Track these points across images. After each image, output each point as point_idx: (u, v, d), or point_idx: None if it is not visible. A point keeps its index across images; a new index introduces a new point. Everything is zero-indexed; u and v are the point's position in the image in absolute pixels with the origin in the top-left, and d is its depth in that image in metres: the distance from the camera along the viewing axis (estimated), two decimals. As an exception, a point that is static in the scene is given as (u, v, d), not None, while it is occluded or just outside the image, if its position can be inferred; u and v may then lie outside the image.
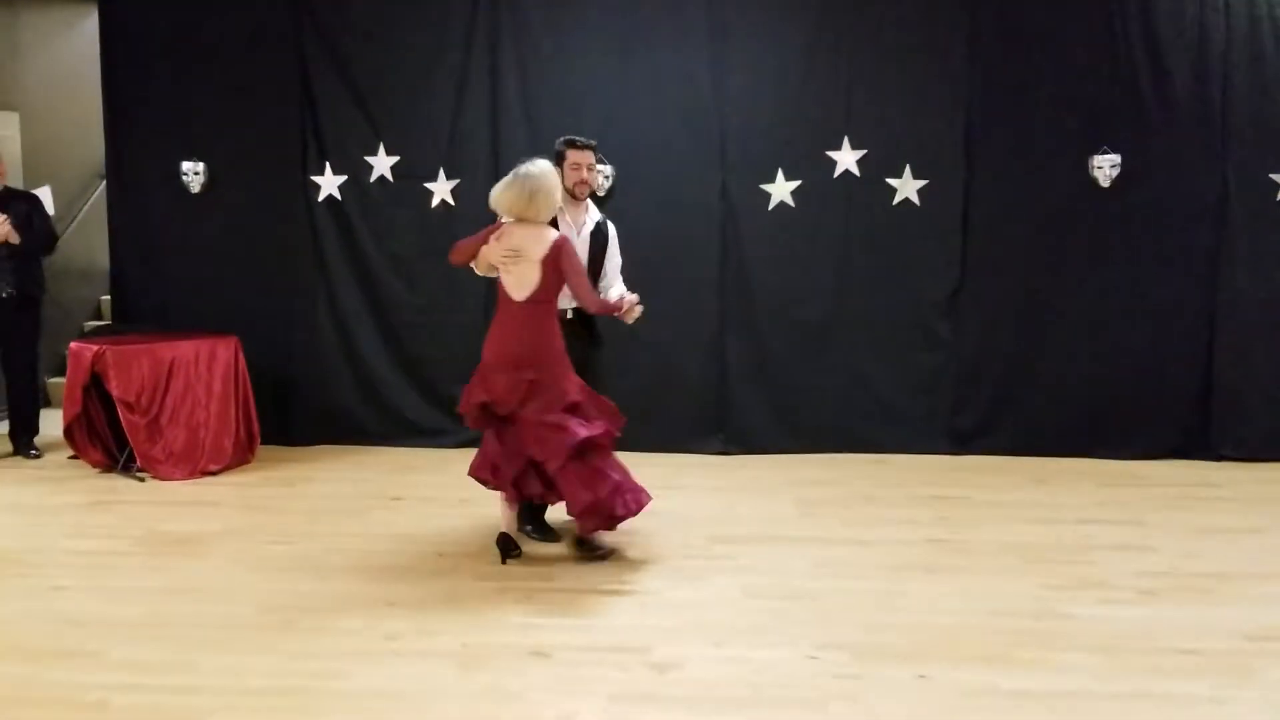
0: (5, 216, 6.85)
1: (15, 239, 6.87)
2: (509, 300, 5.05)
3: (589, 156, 5.36)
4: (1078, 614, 4.53)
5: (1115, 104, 7.16)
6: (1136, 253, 7.23)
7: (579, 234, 5.36)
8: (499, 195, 5.06)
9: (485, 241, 5.10)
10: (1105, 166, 7.13)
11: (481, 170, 7.41)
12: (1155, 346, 7.27)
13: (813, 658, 4.08)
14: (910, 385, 7.41)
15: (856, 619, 4.47)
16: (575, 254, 5.06)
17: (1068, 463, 7.18)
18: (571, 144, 5.37)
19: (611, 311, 5.16)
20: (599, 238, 5.42)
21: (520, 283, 5.00)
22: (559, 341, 5.06)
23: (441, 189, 7.45)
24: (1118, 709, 3.68)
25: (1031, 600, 4.69)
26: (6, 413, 7.32)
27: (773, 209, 7.29)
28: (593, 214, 5.47)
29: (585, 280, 5.07)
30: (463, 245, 5.19)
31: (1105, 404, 7.31)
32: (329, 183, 7.50)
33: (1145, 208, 7.19)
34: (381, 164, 7.46)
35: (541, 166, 5.02)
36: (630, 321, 5.23)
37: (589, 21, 7.35)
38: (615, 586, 4.84)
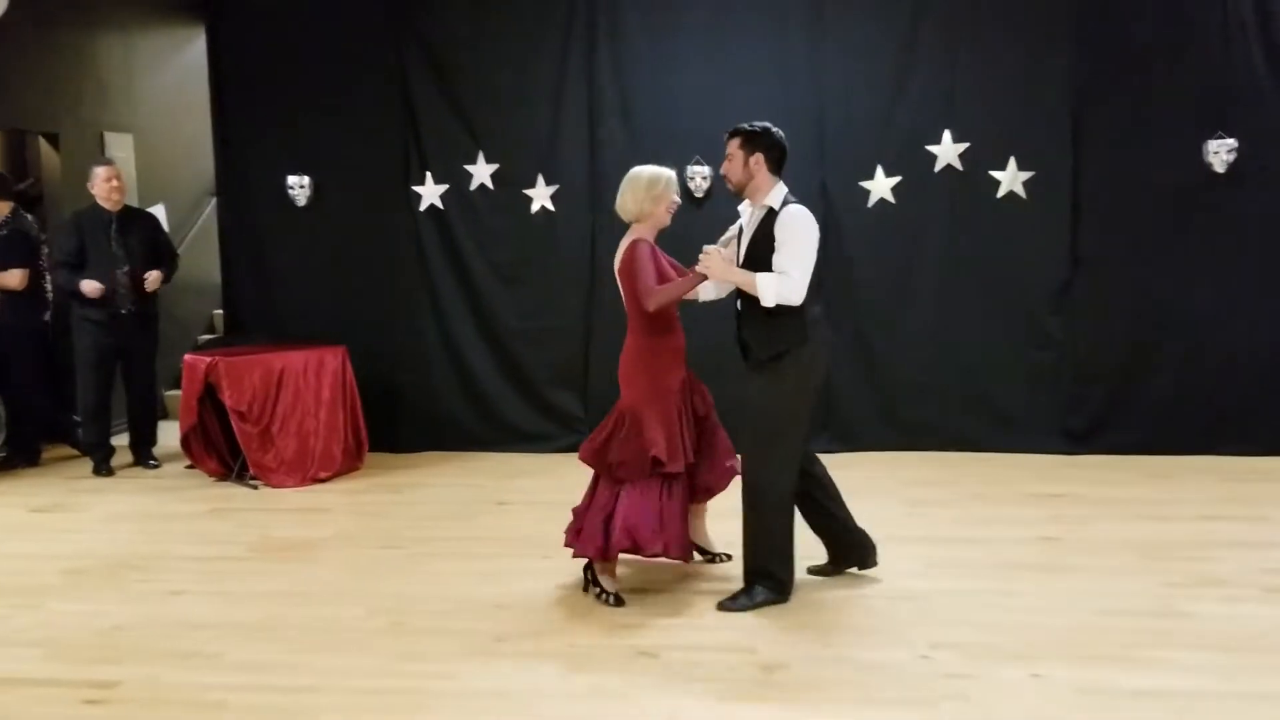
0: (159, 274, 7.15)
1: (156, 284, 7.19)
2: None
3: (729, 146, 4.66)
4: (1198, 612, 4.39)
5: (1229, 86, 6.92)
6: (1255, 241, 7.00)
7: (742, 226, 4.78)
8: (630, 196, 4.89)
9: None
10: (1221, 152, 6.90)
11: (580, 175, 7.46)
12: (1275, 339, 7.01)
13: (924, 657, 4.01)
14: (1021, 383, 7.25)
15: (967, 618, 4.38)
16: (639, 259, 4.69)
17: (1188, 460, 6.97)
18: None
19: (685, 291, 4.67)
20: (765, 226, 4.57)
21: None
22: (642, 373, 4.76)
23: (541, 195, 7.50)
24: (1241, 710, 3.56)
25: (1150, 598, 4.56)
26: (127, 425, 7.53)
27: (872, 205, 7.21)
28: (766, 201, 4.59)
29: (642, 286, 4.64)
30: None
31: (1226, 399, 7.07)
32: (430, 192, 7.60)
33: (1263, 194, 6.95)
34: (481, 172, 7.53)
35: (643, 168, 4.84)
36: (705, 271, 4.55)
37: (685, 22, 7.34)
38: (723, 587, 4.80)
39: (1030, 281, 7.19)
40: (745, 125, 4.62)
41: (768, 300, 4.41)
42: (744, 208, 4.77)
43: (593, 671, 3.96)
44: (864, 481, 6.42)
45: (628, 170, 7.27)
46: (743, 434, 4.63)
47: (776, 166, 4.61)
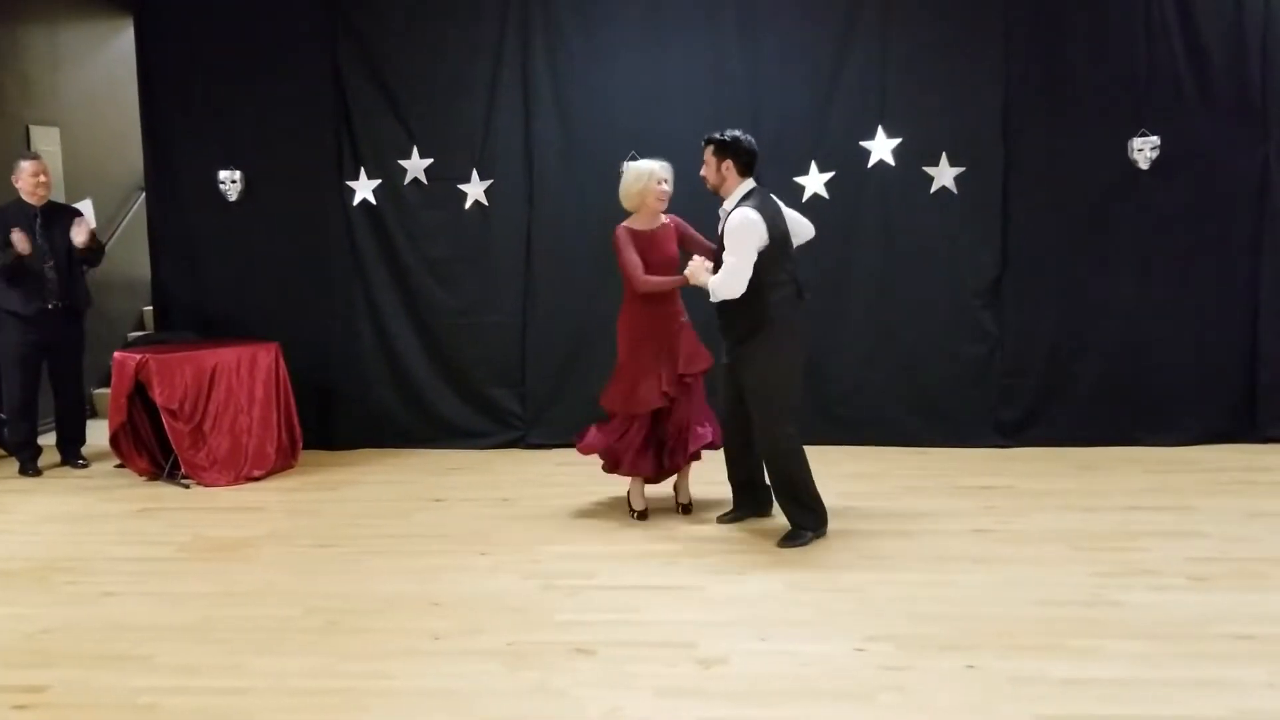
0: (22, 233, 6.87)
1: (81, 239, 6.96)
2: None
3: (705, 153, 5.39)
4: (1128, 601, 4.48)
5: (1154, 86, 7.06)
6: (1178, 236, 7.14)
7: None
8: (634, 187, 5.68)
9: None
10: (1145, 149, 7.03)
11: (515, 170, 7.43)
12: (1200, 331, 7.17)
13: (860, 650, 4.06)
14: (954, 377, 7.32)
15: (903, 610, 4.43)
16: (618, 244, 5.65)
17: (1115, 451, 7.09)
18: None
19: (670, 287, 5.57)
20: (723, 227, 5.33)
21: None
22: (625, 327, 5.76)
23: (475, 190, 7.46)
24: (1171, 696, 3.63)
25: (1081, 588, 4.64)
26: (54, 423, 7.39)
27: (806, 201, 7.25)
28: (727, 205, 5.35)
29: (627, 269, 5.61)
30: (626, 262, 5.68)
31: (1151, 391, 7.21)
32: (364, 187, 7.53)
33: (1186, 190, 7.10)
34: (415, 167, 7.48)
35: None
36: (688, 275, 5.36)
37: (619, 18, 7.32)
38: (659, 582, 4.83)
39: (962, 276, 7.28)
40: (717, 134, 5.31)
41: (714, 296, 5.21)
42: (723, 211, 5.41)
43: (532, 669, 3.95)
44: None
45: (562, 165, 7.36)
46: (750, 409, 5.36)
47: (746, 170, 5.31)
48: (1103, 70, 7.08)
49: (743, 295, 5.13)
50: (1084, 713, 3.54)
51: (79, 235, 6.97)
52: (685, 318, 5.70)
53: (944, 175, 7.20)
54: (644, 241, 5.62)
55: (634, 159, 7.15)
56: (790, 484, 5.34)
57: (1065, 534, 5.39)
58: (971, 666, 3.88)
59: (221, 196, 7.64)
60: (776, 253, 5.20)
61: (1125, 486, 6.28)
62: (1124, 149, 7.09)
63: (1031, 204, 7.20)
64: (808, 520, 5.35)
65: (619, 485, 6.14)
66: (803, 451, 5.33)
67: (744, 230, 5.11)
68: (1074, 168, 7.14)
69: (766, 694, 3.72)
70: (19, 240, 6.79)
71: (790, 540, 5.30)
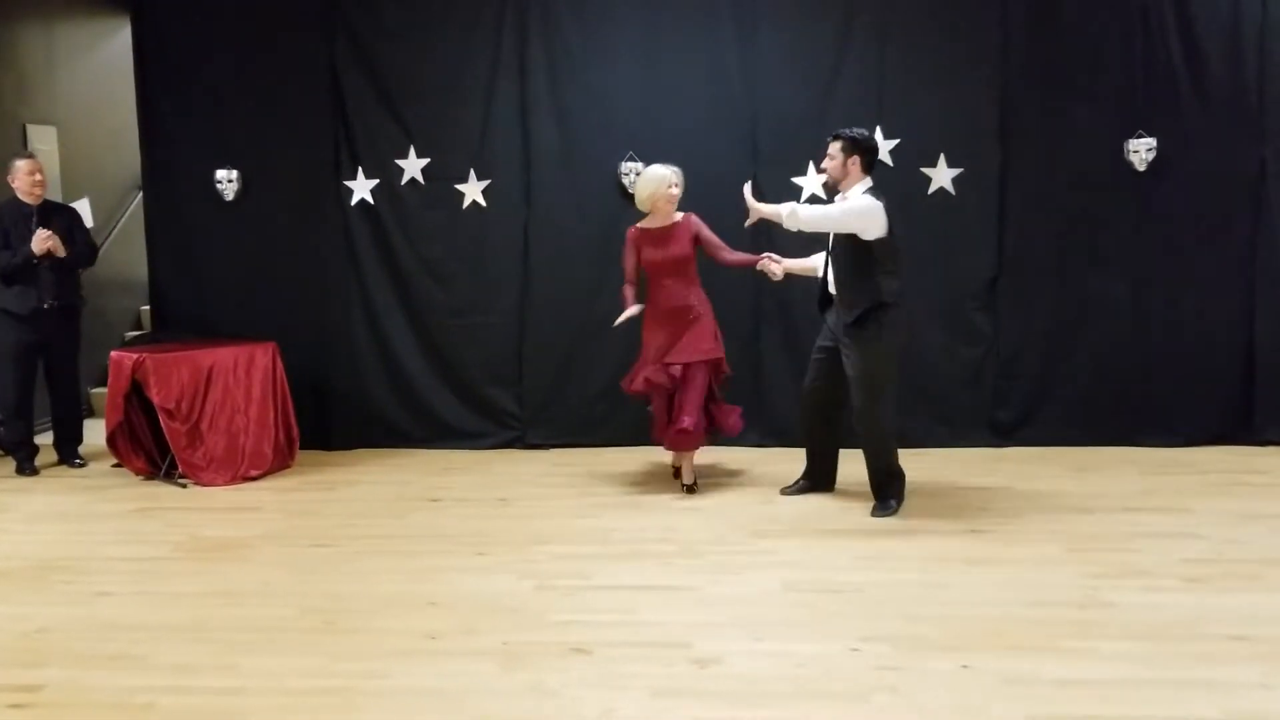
0: (49, 231, 6.92)
1: (61, 252, 6.94)
2: None
3: (831, 148, 5.75)
4: (1122, 602, 4.49)
5: (1149, 87, 7.08)
6: (1174, 237, 7.16)
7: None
8: (651, 192, 6.13)
9: None
10: (1141, 150, 7.05)
11: (512, 170, 7.43)
12: (1196, 332, 7.19)
13: (855, 650, 4.06)
14: (950, 378, 7.34)
15: (898, 611, 4.44)
16: (625, 245, 6.32)
17: (1110, 451, 7.11)
18: None
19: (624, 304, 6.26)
20: None
21: None
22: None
23: (473, 190, 7.46)
24: (1164, 697, 3.64)
25: (1075, 589, 4.64)
26: (50, 423, 7.39)
27: (804, 202, 7.25)
28: (848, 194, 5.73)
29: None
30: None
31: (1147, 392, 7.23)
32: (361, 187, 7.53)
33: (1182, 191, 7.11)
34: (412, 166, 7.48)
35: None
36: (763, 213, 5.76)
37: (617, 17, 7.33)
38: (655, 583, 4.84)
39: (959, 277, 7.29)
40: (847, 131, 5.64)
41: (791, 221, 5.56)
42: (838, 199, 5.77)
43: (527, 669, 3.96)
44: (795, 476, 6.45)
45: (560, 165, 7.40)
46: (854, 390, 5.74)
47: (869, 168, 5.66)
48: (1100, 72, 7.11)
49: (864, 280, 5.55)
50: (1078, 713, 3.55)
51: (38, 244, 6.86)
52: (699, 313, 6.16)
53: (942, 176, 7.21)
54: (654, 239, 6.17)
55: (632, 159, 7.20)
56: (888, 461, 5.81)
57: (1060, 535, 5.40)
58: (966, 667, 3.89)
59: (219, 196, 7.63)
60: (895, 244, 5.58)
61: (1120, 488, 6.29)
62: (1121, 150, 7.11)
63: (1028, 205, 7.22)
64: (897, 489, 5.86)
65: (612, 487, 6.14)
66: (895, 431, 5.89)
67: (864, 204, 5.51)
68: (1071, 169, 7.16)
69: (762, 694, 3.73)
70: (41, 240, 6.81)
71: (883, 510, 5.78)
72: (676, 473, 6.48)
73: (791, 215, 5.53)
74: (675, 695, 3.73)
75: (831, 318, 5.85)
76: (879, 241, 5.52)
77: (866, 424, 5.73)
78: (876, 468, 5.83)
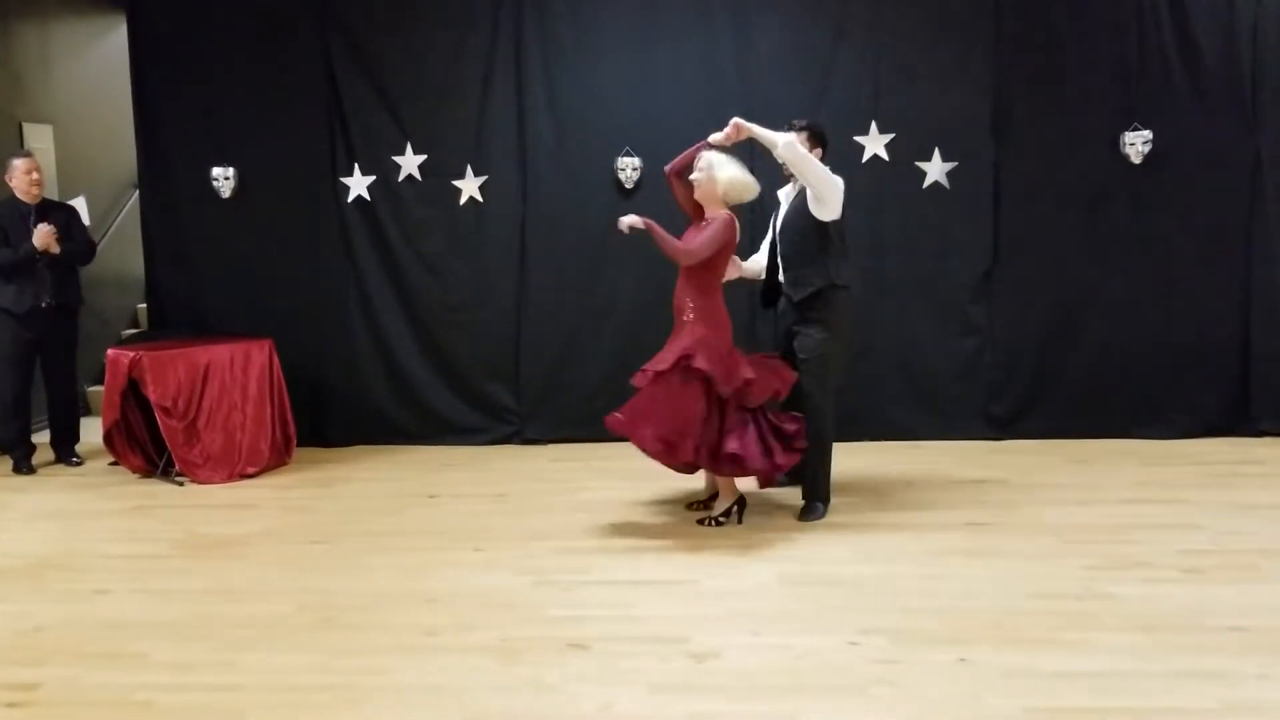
0: (50, 225, 6.92)
1: (56, 249, 6.94)
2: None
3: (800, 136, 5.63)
4: (1120, 594, 4.49)
5: (1145, 79, 7.09)
6: (1170, 229, 7.16)
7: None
8: (745, 184, 5.51)
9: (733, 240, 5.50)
10: (1137, 143, 7.05)
11: (509, 166, 7.43)
12: (1192, 323, 7.20)
13: (852, 644, 4.07)
14: (946, 371, 7.35)
15: (895, 604, 4.45)
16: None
17: (1107, 444, 7.12)
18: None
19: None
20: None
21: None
22: None
23: (470, 186, 7.46)
24: (1163, 687, 3.65)
25: (1073, 581, 4.65)
26: (47, 421, 7.39)
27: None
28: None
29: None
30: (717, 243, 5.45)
31: (1143, 384, 7.24)
32: (358, 183, 7.52)
33: (1177, 184, 7.12)
34: (409, 163, 7.47)
35: None
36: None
37: (612, 13, 7.33)
38: (653, 577, 4.84)
39: (954, 270, 7.29)
40: (808, 121, 5.70)
41: (780, 149, 5.39)
42: (784, 191, 5.81)
43: (525, 664, 3.96)
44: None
45: (556, 161, 7.33)
46: (802, 376, 5.57)
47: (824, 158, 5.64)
48: (1094, 64, 7.11)
49: (816, 260, 5.52)
50: (1075, 705, 3.56)
51: (39, 239, 6.90)
52: (690, 316, 5.45)
53: (936, 170, 7.21)
54: (695, 226, 5.70)
55: (628, 154, 7.21)
56: (825, 452, 5.68)
57: (1057, 527, 5.41)
58: (963, 660, 3.90)
59: (215, 193, 7.62)
60: (845, 227, 5.66)
61: (1117, 479, 6.30)
62: (1116, 143, 7.11)
63: (1023, 198, 7.22)
64: (824, 492, 5.72)
65: (610, 481, 6.15)
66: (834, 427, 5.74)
67: (836, 179, 5.48)
68: (1066, 162, 7.16)
69: (759, 688, 3.73)
70: (44, 234, 6.82)
71: (811, 514, 5.66)
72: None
73: (789, 146, 5.36)
74: (673, 690, 3.74)
75: (782, 305, 5.76)
76: (834, 223, 5.53)
77: (810, 409, 5.54)
78: (816, 460, 5.63)
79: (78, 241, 7.18)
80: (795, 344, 5.61)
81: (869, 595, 4.56)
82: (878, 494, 6.10)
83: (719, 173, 5.43)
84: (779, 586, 4.70)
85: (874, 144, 7.20)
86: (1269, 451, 6.86)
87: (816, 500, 5.69)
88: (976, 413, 7.35)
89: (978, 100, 7.18)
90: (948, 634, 4.13)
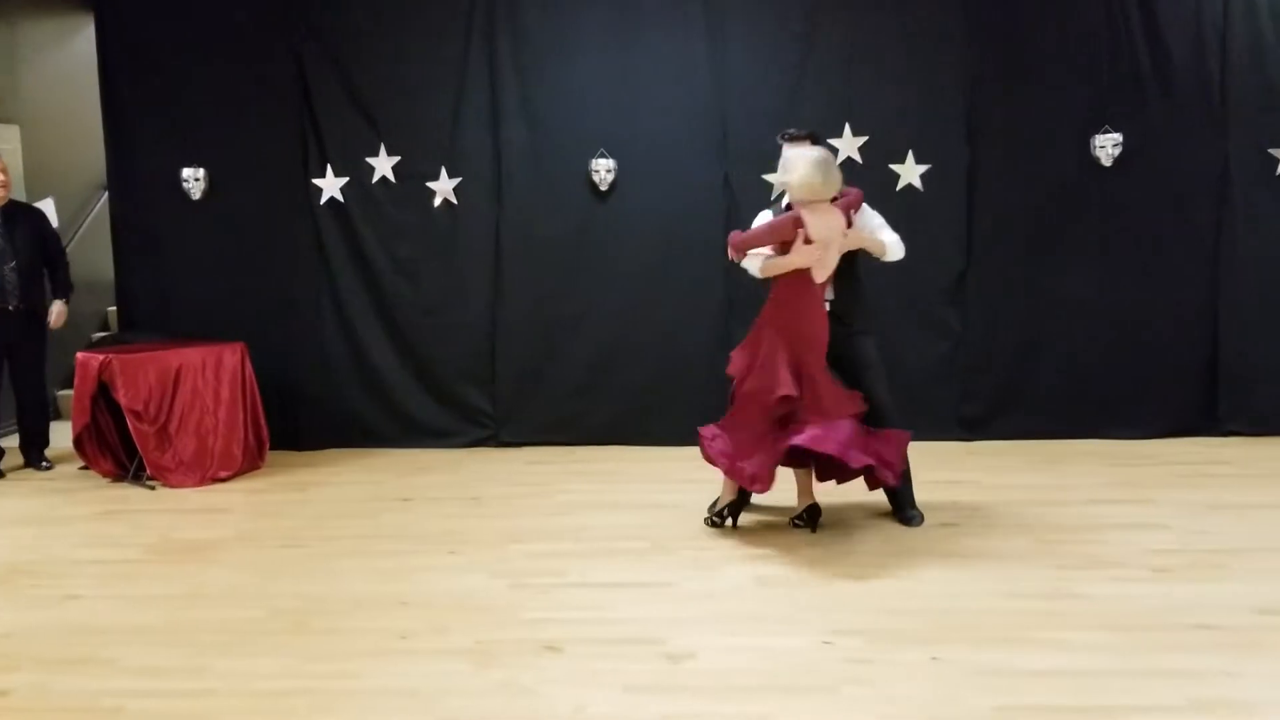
0: (62, 308, 7.15)
1: (61, 323, 7.26)
2: (809, 282, 5.19)
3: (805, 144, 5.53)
4: (1091, 593, 4.52)
5: (1115, 82, 7.15)
6: (1140, 231, 7.23)
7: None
8: (815, 180, 5.13)
9: (792, 237, 5.10)
10: (1107, 146, 7.11)
11: (483, 167, 7.42)
12: (1161, 325, 7.26)
13: (826, 644, 4.08)
14: (918, 373, 7.37)
15: (869, 605, 4.46)
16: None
17: (1078, 444, 7.17)
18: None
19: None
20: None
21: (826, 266, 5.22)
22: None
23: (444, 188, 7.44)
24: (1132, 686, 3.67)
25: (1044, 581, 4.68)
26: (16, 425, 7.32)
27: (774, 199, 7.27)
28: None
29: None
30: (760, 238, 5.25)
31: (1113, 384, 7.30)
32: (331, 185, 7.49)
33: (1147, 186, 7.18)
34: (383, 165, 7.45)
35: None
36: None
37: (586, 16, 7.33)
38: (629, 580, 4.84)
39: (927, 273, 7.31)
40: (807, 131, 5.60)
41: (895, 254, 5.51)
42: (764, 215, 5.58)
43: (499, 667, 3.96)
44: (767, 471, 6.47)
45: (531, 163, 7.28)
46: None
47: None
48: (1065, 68, 7.17)
49: (860, 288, 5.58)
50: (1047, 703, 3.58)
51: (56, 320, 7.24)
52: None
53: (910, 173, 7.25)
54: None
55: (603, 156, 7.22)
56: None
57: (1029, 527, 5.44)
58: (936, 659, 3.92)
59: (185, 194, 7.58)
60: None
61: (1088, 480, 6.34)
62: (1087, 145, 7.17)
63: (996, 200, 7.27)
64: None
65: (586, 484, 6.14)
66: None
67: (898, 239, 5.50)
68: (1038, 164, 7.21)
69: (733, 689, 3.74)
70: (57, 318, 7.07)
71: (914, 517, 5.62)
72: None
73: (896, 245, 5.49)
74: (647, 691, 3.74)
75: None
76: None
77: (893, 419, 5.51)
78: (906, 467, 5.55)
79: (50, 243, 7.15)
80: (853, 353, 5.50)
81: (843, 596, 4.57)
82: (851, 495, 6.10)
83: (790, 176, 5.25)
84: (754, 588, 4.71)
85: (848, 147, 7.23)
86: (1236, 452, 6.92)
87: (915, 507, 5.64)
88: (949, 414, 7.39)
89: (951, 103, 7.22)
90: (921, 634, 4.15)
